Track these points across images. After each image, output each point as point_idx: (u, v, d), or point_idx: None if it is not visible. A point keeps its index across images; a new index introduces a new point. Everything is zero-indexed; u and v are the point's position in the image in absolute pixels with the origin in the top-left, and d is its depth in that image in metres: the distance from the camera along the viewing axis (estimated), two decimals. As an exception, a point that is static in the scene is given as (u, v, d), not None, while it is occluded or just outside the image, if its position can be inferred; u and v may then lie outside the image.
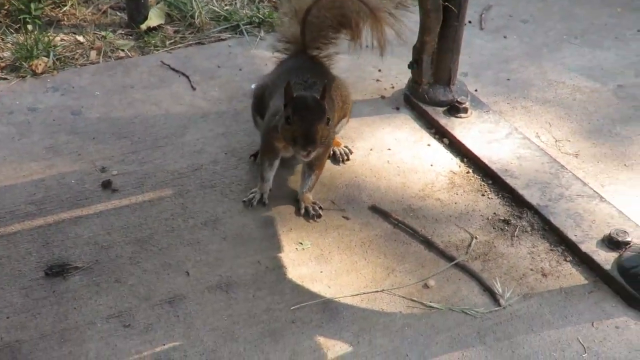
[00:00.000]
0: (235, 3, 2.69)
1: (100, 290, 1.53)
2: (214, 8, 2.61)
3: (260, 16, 2.58)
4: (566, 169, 1.88)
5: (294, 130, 1.57)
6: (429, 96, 2.11)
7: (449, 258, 1.65)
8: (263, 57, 2.35)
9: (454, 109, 2.06)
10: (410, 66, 2.11)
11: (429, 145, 2.01)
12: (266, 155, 1.77)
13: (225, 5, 2.67)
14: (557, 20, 2.64)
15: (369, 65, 2.34)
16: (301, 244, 1.68)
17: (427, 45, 2.04)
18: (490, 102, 2.19)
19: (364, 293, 1.55)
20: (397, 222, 1.74)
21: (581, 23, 2.63)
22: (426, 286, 1.58)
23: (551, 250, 1.68)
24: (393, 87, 2.25)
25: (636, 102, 2.21)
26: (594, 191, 1.81)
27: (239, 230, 1.70)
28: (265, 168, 1.77)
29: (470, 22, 2.61)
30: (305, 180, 1.76)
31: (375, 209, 1.78)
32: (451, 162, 1.95)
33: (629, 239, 1.63)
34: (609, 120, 2.13)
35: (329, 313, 1.50)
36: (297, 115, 1.58)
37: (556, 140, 2.04)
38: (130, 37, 2.48)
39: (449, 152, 1.98)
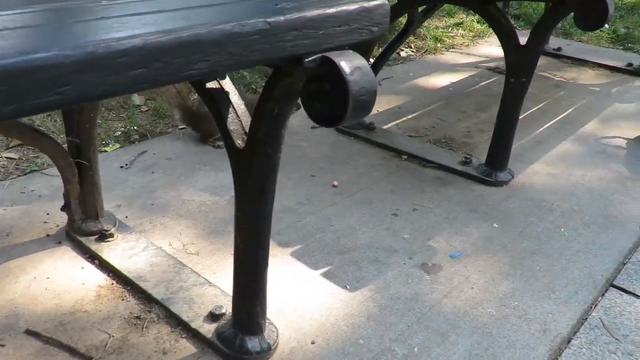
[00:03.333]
0: None
1: None
2: None
3: None
4: (187, 266, 1.95)
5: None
6: (82, 229, 2.07)
7: (89, 358, 1.59)
8: (-57, 218, 2.12)
9: (103, 236, 2.05)
10: (62, 209, 2.06)
11: (82, 268, 1.95)
12: None
13: None
14: (193, 155, 2.78)
15: (40, 211, 2.24)
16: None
17: (71, 192, 2.01)
18: (137, 224, 2.21)
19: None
20: (47, 338, 1.65)
21: (209, 155, 2.80)
22: (67, 388, 1.50)
23: (172, 332, 1.70)
24: (58, 226, 2.16)
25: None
26: (205, 279, 1.89)
27: None
28: None
29: (126, 164, 2.64)
30: None
31: (29, 332, 1.67)
32: (100, 278, 1.91)
33: (223, 311, 1.72)
34: (224, 222, 2.26)
35: None
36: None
37: (183, 245, 2.11)
38: None
39: (99, 270, 1.95)
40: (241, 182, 1.43)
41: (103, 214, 2.12)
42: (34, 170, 2.54)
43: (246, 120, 1.45)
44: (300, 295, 1.87)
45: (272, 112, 1.32)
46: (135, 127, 3.01)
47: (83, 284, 1.87)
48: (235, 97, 1.47)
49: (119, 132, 2.96)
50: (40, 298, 1.80)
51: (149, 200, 2.39)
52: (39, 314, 1.74)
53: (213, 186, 2.53)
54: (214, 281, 1.89)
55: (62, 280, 1.88)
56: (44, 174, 2.52)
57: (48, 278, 1.89)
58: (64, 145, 1.94)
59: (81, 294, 1.83)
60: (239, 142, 1.41)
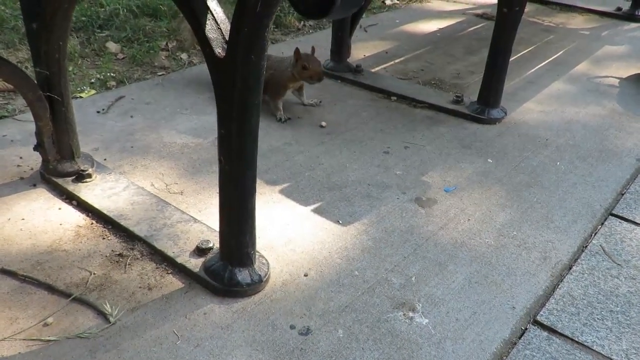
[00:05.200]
0: None
1: None
2: None
3: None
4: (171, 204, 1.85)
5: (310, 71, 2.33)
6: (58, 170, 1.95)
7: (68, 295, 1.50)
8: None
9: (80, 176, 1.94)
10: (35, 149, 1.94)
11: (59, 209, 1.85)
12: (279, 97, 2.45)
13: None
14: (173, 99, 2.66)
15: (12, 155, 2.11)
16: None
17: (43, 129, 1.89)
18: (116, 166, 2.10)
19: (-17, 346, 1.33)
20: (24, 277, 1.55)
21: (190, 98, 2.68)
22: (46, 324, 1.41)
23: (157, 268, 1.62)
24: (32, 169, 2.05)
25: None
26: (191, 216, 1.80)
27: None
28: (280, 104, 2.45)
29: (103, 109, 2.52)
30: (301, 95, 2.59)
31: (4, 271, 1.56)
32: (78, 219, 1.81)
33: (210, 245, 1.64)
34: (208, 163, 2.16)
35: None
36: (311, 63, 2.34)
37: (166, 185, 2.01)
38: None
39: (77, 211, 1.84)
40: (223, 95, 1.33)
41: (79, 154, 2.00)
42: (5, 117, 2.41)
43: (226, 27, 1.34)
44: (290, 230, 1.80)
45: (255, 8, 1.21)
46: (111, 74, 2.87)
47: (60, 224, 1.77)
48: (213, 3, 1.35)
49: (94, 79, 2.82)
50: (15, 239, 1.70)
51: (128, 143, 2.27)
52: (13, 254, 1.63)
53: (195, 128, 2.42)
54: (200, 218, 1.81)
55: (38, 221, 1.78)
56: (16, 120, 2.38)
57: (23, 219, 1.78)
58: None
59: (59, 234, 1.73)
60: (219, 51, 1.30)
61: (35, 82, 1.83)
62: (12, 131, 2.29)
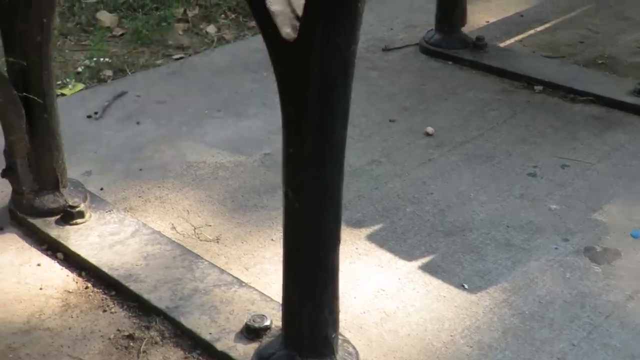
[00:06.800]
0: None
1: None
2: None
3: None
4: (202, 258, 1.88)
5: None
6: (36, 206, 2.01)
7: (57, 400, 1.52)
8: None
9: (68, 216, 1.98)
10: (3, 174, 2.00)
11: (39, 265, 1.90)
12: None
13: None
14: (198, 95, 2.72)
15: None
16: None
17: (16, 146, 1.95)
18: (119, 199, 2.15)
19: None
20: (-10, 371, 1.59)
21: (223, 93, 2.73)
22: None
23: (186, 358, 1.63)
24: (-3, 203, 2.12)
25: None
26: (234, 277, 1.81)
27: None
28: None
29: (96, 113, 2.59)
30: None
31: (-39, 361, 1.61)
32: (67, 280, 1.85)
33: (267, 323, 1.63)
34: (255, 193, 2.19)
35: None
36: None
37: (194, 228, 2.04)
38: None
39: (64, 268, 1.89)
40: (293, 96, 1.33)
41: (66, 182, 2.06)
42: (-44, 125, 2.51)
43: (297, -1, 1.35)
44: (387, 300, 1.79)
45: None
46: (106, 59, 2.97)
47: (41, 289, 1.82)
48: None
49: (82, 67, 2.92)
50: (-23, 310, 1.75)
51: (135, 164, 2.33)
52: (-25, 335, 1.68)
53: (232, 139, 2.46)
54: (248, 280, 1.82)
55: (7, 284, 1.84)
56: (-28, 130, 2.49)
57: (-13, 281, 1.84)
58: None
59: (39, 304, 1.77)
60: (287, 31, 1.31)
61: (6, 76, 1.90)
62: (-32, 146, 2.38)
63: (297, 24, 1.31)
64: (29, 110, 1.92)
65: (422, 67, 2.90)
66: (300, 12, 1.31)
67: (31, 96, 1.91)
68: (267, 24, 1.33)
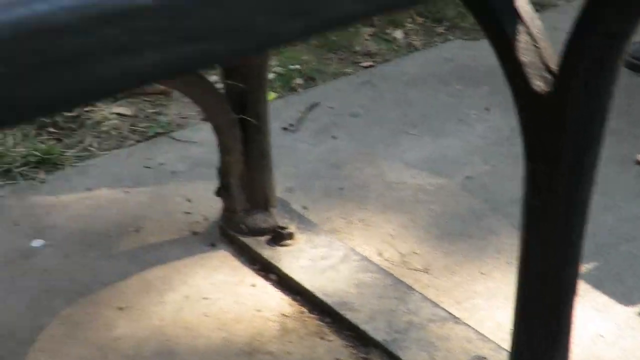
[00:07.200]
0: (5, 142, 2.68)
1: None
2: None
3: (38, 154, 2.55)
4: (414, 289, 1.98)
5: None
6: (247, 225, 2.17)
7: None
8: (45, 204, 2.34)
9: (278, 237, 2.13)
10: (218, 193, 2.17)
11: (253, 285, 2.05)
12: None
13: (-9, 144, 2.66)
14: (391, 108, 2.81)
15: (176, 195, 2.39)
16: None
17: (232, 167, 2.11)
18: (323, 219, 2.28)
19: None
20: (220, 391, 1.76)
21: (417, 107, 2.81)
22: None
23: (406, 394, 1.74)
24: (207, 219, 2.29)
25: (487, 193, 2.37)
26: (447, 312, 1.90)
27: None
28: None
29: (291, 125, 2.73)
30: None
31: (192, 380, 1.79)
32: (281, 303, 1.99)
33: (489, 365, 1.72)
34: (459, 220, 2.26)
35: None
36: None
37: (402, 255, 2.14)
38: None
39: (278, 290, 2.03)
40: (541, 149, 1.39)
41: (275, 202, 2.21)
42: (159, 134, 2.71)
43: (547, 46, 1.41)
44: (607, 347, 1.83)
45: (609, 30, 1.27)
46: (296, 66, 3.08)
47: (258, 311, 1.97)
48: (526, 8, 1.43)
49: (273, 74, 3.05)
50: (200, 328, 1.92)
51: (335, 182, 2.45)
52: (201, 352, 1.86)
53: (431, 159, 2.54)
54: (460, 315, 1.90)
55: (225, 304, 2.00)
56: (173, 139, 2.68)
57: (205, 299, 2.01)
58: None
59: (258, 326, 1.92)
60: (538, 83, 1.37)
61: (226, 100, 2.06)
62: (171, 157, 2.58)
63: (549, 76, 1.38)
64: (244, 132, 2.07)
65: (627, 84, 2.86)
66: (552, 64, 1.38)
67: (247, 118, 2.06)
68: (515, 74, 1.40)
